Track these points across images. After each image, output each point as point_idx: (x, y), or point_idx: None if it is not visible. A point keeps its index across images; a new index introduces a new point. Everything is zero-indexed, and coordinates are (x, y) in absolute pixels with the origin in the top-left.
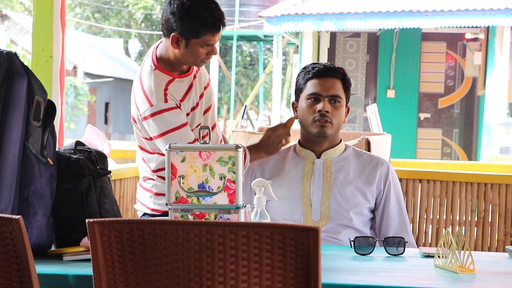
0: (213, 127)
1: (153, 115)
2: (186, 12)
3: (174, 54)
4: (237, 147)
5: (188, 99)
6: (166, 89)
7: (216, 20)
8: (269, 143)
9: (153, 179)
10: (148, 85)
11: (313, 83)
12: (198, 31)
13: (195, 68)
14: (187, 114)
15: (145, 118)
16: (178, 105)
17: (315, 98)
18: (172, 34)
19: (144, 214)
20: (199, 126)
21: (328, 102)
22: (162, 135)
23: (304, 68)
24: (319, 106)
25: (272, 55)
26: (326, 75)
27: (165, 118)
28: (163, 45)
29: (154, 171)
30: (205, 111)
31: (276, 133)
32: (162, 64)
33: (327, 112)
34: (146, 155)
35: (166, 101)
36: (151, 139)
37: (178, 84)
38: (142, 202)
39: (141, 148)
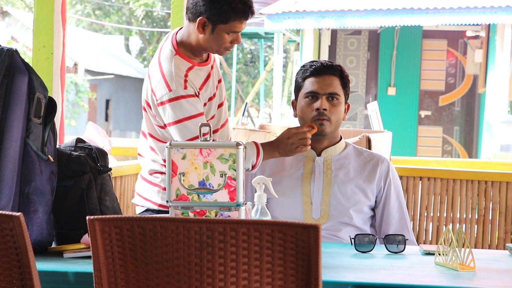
0: (225, 123)
1: (170, 100)
2: None
3: (198, 39)
4: (237, 144)
5: (206, 88)
6: (186, 76)
7: (247, 7)
8: (287, 144)
9: (163, 173)
10: (169, 69)
11: (310, 81)
12: (227, 16)
13: (212, 58)
14: (204, 104)
15: (162, 103)
16: (197, 94)
17: (313, 96)
18: (199, 18)
19: (147, 210)
20: (213, 118)
21: (325, 100)
22: (177, 122)
23: (303, 66)
24: (317, 104)
25: (273, 53)
26: (323, 73)
27: (182, 105)
28: (185, 30)
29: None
30: (219, 105)
31: (298, 136)
32: (183, 49)
33: (325, 110)
34: (158, 144)
35: (185, 87)
36: (165, 126)
37: (198, 72)
38: (146, 197)
39: (152, 136)
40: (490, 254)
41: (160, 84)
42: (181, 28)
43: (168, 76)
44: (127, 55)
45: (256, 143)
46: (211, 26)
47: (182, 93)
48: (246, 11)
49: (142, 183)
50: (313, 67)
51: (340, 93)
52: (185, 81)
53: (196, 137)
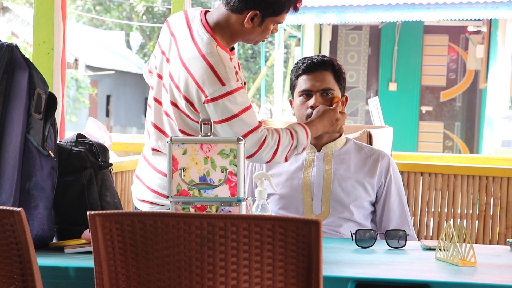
0: None
1: (224, 95)
2: None
3: (240, 30)
4: (238, 139)
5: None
6: (234, 67)
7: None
8: (334, 124)
9: None
10: (219, 62)
11: (303, 79)
12: (282, 9)
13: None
14: None
15: (213, 100)
16: (243, 85)
17: (307, 94)
18: (250, 11)
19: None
20: None
21: (320, 96)
22: (233, 117)
23: (296, 63)
24: (310, 102)
25: (273, 48)
26: (315, 69)
27: (236, 98)
28: (222, 19)
29: None
30: None
31: (344, 116)
32: (219, 38)
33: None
34: None
35: (237, 80)
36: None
37: (234, 61)
38: None
39: (184, 133)
40: (491, 250)
41: (209, 79)
42: (206, 12)
43: (220, 70)
44: (128, 50)
45: (303, 125)
46: (261, 19)
47: (234, 86)
48: (298, 2)
49: (164, 180)
50: (304, 64)
51: (334, 88)
52: (236, 73)
53: (253, 130)
